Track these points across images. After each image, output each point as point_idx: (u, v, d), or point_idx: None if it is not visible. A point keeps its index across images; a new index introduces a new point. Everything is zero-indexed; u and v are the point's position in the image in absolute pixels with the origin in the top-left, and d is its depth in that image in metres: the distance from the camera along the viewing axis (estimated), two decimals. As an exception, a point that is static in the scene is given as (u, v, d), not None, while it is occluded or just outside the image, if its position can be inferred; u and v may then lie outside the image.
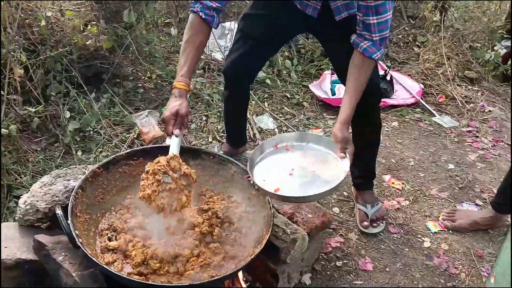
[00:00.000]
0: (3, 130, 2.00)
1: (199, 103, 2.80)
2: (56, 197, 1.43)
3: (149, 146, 1.70)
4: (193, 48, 1.52)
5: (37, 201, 1.40)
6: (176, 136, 1.42)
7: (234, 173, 1.65)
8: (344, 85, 1.63)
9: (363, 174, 2.01)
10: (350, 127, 1.62)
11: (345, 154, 1.47)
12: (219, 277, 1.26)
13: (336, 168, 1.47)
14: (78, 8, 2.54)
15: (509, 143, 2.74)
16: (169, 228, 1.38)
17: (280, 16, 1.75)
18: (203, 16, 1.51)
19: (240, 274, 1.57)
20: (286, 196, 1.39)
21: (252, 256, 1.31)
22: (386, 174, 2.37)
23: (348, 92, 1.55)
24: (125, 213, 1.52)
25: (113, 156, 1.56)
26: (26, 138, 2.32)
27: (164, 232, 1.38)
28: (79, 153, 2.30)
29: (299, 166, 1.52)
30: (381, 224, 2.01)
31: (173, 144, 1.41)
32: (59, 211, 1.21)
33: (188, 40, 1.53)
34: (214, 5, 1.51)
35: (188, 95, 1.53)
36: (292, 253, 1.54)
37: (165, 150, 1.46)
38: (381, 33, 1.47)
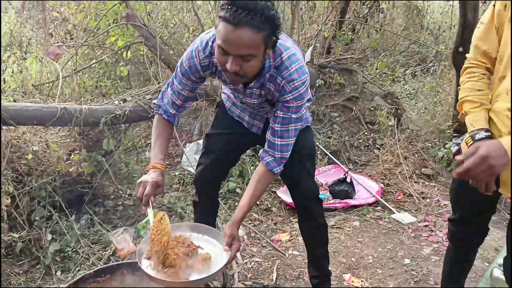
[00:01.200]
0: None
1: (173, 216, 3.03)
2: (28, 317, 1.59)
3: (115, 263, 1.89)
4: (163, 140, 1.82)
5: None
6: (152, 207, 1.63)
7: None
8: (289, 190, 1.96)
9: (318, 273, 2.19)
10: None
11: (229, 248, 1.66)
12: None
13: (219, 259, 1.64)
14: (62, 140, 2.88)
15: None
16: None
17: (233, 133, 2.11)
18: (166, 118, 1.85)
19: None
20: (169, 281, 1.50)
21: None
22: (346, 273, 2.54)
23: (247, 196, 1.78)
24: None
25: (82, 274, 1.76)
26: (10, 262, 2.50)
27: None
28: (59, 273, 2.47)
29: None
30: (340, 322, 2.14)
31: (150, 213, 1.62)
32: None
33: (157, 135, 1.83)
34: (173, 112, 1.85)
35: (163, 172, 1.73)
36: None
37: (129, 265, 1.70)
38: (282, 153, 1.78)
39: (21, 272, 2.45)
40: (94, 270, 1.80)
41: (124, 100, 3.09)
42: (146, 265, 1.58)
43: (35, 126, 2.87)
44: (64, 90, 4.01)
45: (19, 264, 2.52)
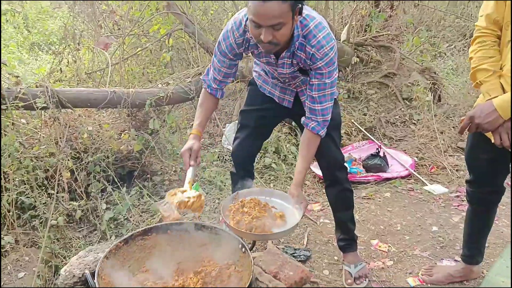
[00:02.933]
0: (53, 221, 2.55)
1: (213, 189, 3.28)
2: (88, 265, 1.88)
3: (160, 224, 2.16)
4: (204, 110, 2.08)
5: (73, 269, 1.87)
6: (192, 166, 1.92)
7: (227, 241, 2.06)
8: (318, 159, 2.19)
9: (344, 237, 2.35)
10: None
11: (298, 206, 1.90)
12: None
13: (292, 217, 1.92)
14: (113, 121, 3.20)
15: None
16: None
17: (265, 109, 2.29)
18: (209, 91, 2.08)
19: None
20: (253, 234, 1.83)
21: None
22: (374, 239, 2.68)
23: (301, 160, 1.98)
24: (142, 277, 1.95)
25: (132, 232, 2.03)
26: (71, 227, 2.85)
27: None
28: (113, 237, 2.79)
29: None
30: (364, 281, 2.30)
31: (189, 173, 1.92)
32: (87, 272, 1.66)
33: (201, 104, 2.09)
34: (215, 86, 2.07)
35: (200, 139, 2.02)
36: (275, 304, 1.88)
37: (173, 225, 1.99)
38: (324, 116, 1.95)
39: (80, 236, 2.80)
40: (142, 228, 2.07)
41: (167, 83, 3.36)
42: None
43: (89, 109, 3.20)
44: (114, 77, 4.36)
45: (79, 230, 2.87)
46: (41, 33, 7.23)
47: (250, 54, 2.07)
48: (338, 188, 2.26)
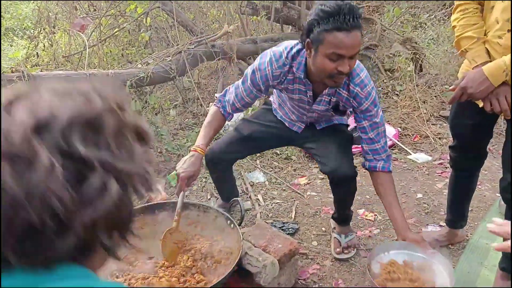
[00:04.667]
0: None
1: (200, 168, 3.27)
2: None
3: (147, 204, 2.15)
4: (211, 129, 2.02)
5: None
6: (184, 192, 1.92)
7: (216, 218, 2.07)
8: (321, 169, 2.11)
9: (343, 212, 2.36)
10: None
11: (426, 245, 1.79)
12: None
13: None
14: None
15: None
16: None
17: (269, 126, 2.23)
18: (222, 112, 2.04)
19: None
20: None
21: (224, 276, 1.70)
22: (360, 209, 2.72)
23: (392, 206, 1.92)
24: (132, 257, 1.96)
25: (119, 214, 2.03)
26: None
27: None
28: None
29: None
30: (352, 251, 2.34)
31: (180, 201, 1.92)
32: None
33: (209, 123, 2.02)
34: (229, 111, 2.04)
35: (201, 157, 1.96)
36: (265, 276, 1.91)
37: (160, 206, 1.98)
38: (386, 152, 1.95)
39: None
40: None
41: (147, 63, 3.30)
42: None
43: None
44: (93, 59, 4.27)
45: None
46: (14, 18, 7.03)
47: (282, 88, 1.99)
48: (345, 187, 2.18)
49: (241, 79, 2.01)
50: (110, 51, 4.62)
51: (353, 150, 3.43)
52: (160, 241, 1.86)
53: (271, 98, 2.31)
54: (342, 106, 1.95)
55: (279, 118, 2.22)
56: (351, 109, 1.98)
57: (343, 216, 2.37)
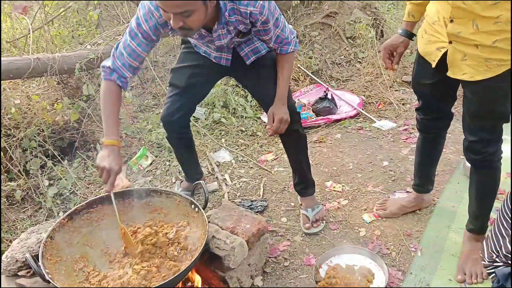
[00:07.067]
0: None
1: (162, 151, 3.16)
2: (30, 247, 1.76)
3: (104, 194, 2.03)
4: (113, 108, 1.79)
5: (15, 253, 1.74)
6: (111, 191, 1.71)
7: (179, 203, 1.98)
8: (267, 112, 2.06)
9: (301, 180, 2.32)
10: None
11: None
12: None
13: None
14: (43, 91, 2.95)
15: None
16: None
17: (198, 66, 2.13)
18: (118, 82, 1.80)
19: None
20: None
21: (191, 262, 1.63)
22: (328, 181, 2.70)
23: (282, 80, 2.00)
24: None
25: (75, 207, 1.90)
26: (13, 209, 2.67)
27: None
28: (61, 214, 2.65)
29: None
30: (322, 224, 2.32)
31: (114, 204, 1.73)
32: (27, 255, 1.54)
33: (108, 103, 1.78)
34: (129, 76, 1.82)
35: (119, 150, 1.75)
36: (234, 259, 1.85)
37: (119, 194, 1.87)
38: (292, 34, 1.94)
39: (25, 217, 2.63)
40: (85, 202, 1.95)
41: (97, 44, 3.11)
42: None
43: (14, 81, 2.93)
44: (41, 43, 4.00)
45: (23, 210, 2.70)
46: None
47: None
48: (293, 134, 2.18)
49: (126, 37, 1.80)
50: (60, 33, 4.34)
51: (318, 121, 3.42)
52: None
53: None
54: (244, 28, 1.84)
55: (203, 54, 2.11)
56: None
57: (304, 182, 2.33)
